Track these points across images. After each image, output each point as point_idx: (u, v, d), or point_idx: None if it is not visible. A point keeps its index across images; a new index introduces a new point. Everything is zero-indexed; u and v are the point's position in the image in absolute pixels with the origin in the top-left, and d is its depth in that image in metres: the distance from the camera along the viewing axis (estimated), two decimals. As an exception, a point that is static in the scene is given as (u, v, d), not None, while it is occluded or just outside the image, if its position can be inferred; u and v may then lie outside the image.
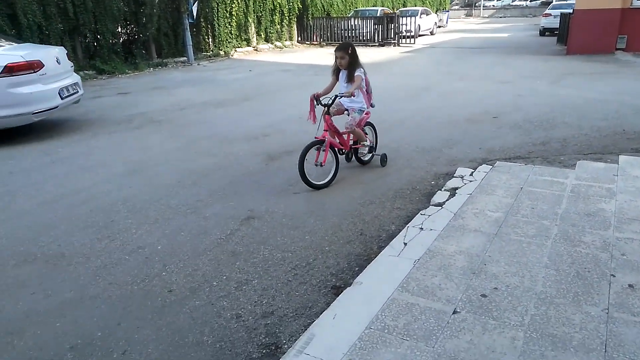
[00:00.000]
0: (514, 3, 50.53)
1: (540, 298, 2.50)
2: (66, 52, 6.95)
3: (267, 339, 2.40)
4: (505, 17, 43.99)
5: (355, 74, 4.41)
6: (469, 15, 48.09)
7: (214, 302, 2.69)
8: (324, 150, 4.33)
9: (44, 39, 10.88)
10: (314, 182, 4.35)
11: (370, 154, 5.01)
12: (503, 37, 22.51)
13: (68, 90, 6.46)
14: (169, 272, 3.03)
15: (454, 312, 2.41)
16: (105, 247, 3.37)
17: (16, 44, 6.58)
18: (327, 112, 4.38)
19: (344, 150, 4.69)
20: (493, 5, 49.73)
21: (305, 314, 2.57)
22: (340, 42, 20.30)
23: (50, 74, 6.14)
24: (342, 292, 2.68)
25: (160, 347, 2.35)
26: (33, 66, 5.83)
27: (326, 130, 4.39)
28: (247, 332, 2.44)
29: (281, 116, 7.37)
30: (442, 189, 4.12)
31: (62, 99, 6.26)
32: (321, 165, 4.36)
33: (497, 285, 2.64)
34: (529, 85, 9.28)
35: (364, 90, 4.56)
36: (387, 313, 2.42)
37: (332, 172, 4.47)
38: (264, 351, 2.31)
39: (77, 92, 6.81)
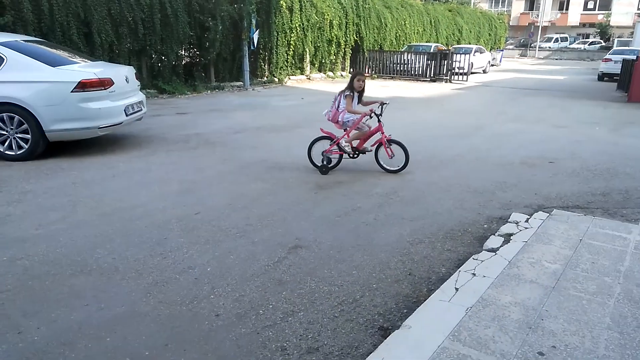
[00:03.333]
0: (572, 46, 49.41)
1: (602, 362, 2.35)
2: (134, 71, 7.33)
3: (311, 375, 2.36)
4: (561, 59, 43.10)
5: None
6: (523, 55, 47.42)
7: (259, 332, 2.69)
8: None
9: (113, 58, 11.55)
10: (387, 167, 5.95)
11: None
12: (559, 79, 22.01)
13: (133, 108, 6.79)
14: (217, 295, 3.06)
15: (508, 369, 2.30)
16: (158, 264, 3.46)
17: (91, 62, 7.01)
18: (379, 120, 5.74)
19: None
20: (549, 47, 48.78)
21: (351, 353, 2.52)
22: (392, 75, 20.50)
23: (119, 91, 6.48)
24: (390, 334, 2.62)
25: (206, 372, 2.36)
26: (104, 83, 6.18)
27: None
28: (292, 366, 2.41)
29: (331, 146, 7.43)
30: (496, 234, 4.00)
31: (126, 115, 6.58)
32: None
33: (555, 343, 2.50)
34: (586, 132, 8.98)
35: None
36: (437, 362, 2.34)
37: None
38: (308, 388, 2.27)
39: (141, 110, 7.15)
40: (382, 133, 5.76)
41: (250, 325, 2.75)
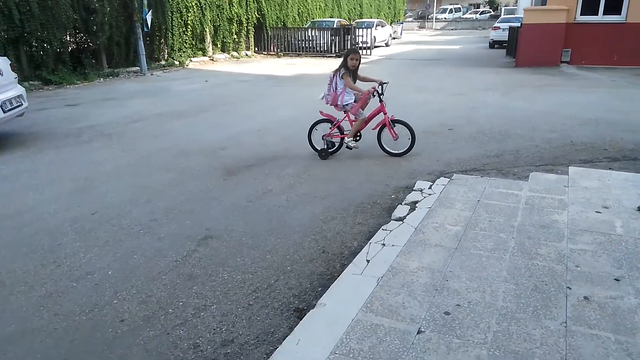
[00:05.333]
0: (465, 16, 52.35)
1: (501, 314, 2.52)
2: (10, 62, 6.56)
3: (227, 369, 2.29)
4: (456, 29, 45.48)
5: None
6: (421, 27, 49.40)
7: (169, 332, 2.55)
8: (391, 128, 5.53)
9: (-16, 48, 10.31)
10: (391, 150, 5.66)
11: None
12: (455, 49, 23.23)
13: (11, 103, 6.10)
14: (120, 299, 2.86)
15: (419, 332, 2.39)
16: (51, 273, 3.16)
17: (-48, 54, 6.17)
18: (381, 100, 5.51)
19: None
20: (445, 18, 51.33)
21: (267, 340, 2.48)
22: (298, 52, 20.40)
23: (-9, 86, 5.78)
24: (305, 315, 2.61)
25: (112, 383, 2.20)
26: (-29, 78, 5.47)
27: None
28: (206, 363, 2.32)
29: (239, 128, 7.25)
30: (403, 203, 4.14)
31: (4, 112, 5.91)
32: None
33: (459, 301, 2.64)
34: (481, 98, 9.56)
35: None
36: (352, 336, 2.37)
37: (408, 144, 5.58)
38: (224, 383, 2.20)
39: (21, 105, 6.44)
40: (385, 114, 5.47)
41: (159, 327, 2.60)
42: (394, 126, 5.54)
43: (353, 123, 5.59)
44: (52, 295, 2.91)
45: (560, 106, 8.40)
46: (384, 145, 5.68)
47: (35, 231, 3.78)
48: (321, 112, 5.67)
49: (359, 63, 5.44)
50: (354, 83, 5.49)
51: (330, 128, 5.64)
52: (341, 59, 5.55)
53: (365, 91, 5.42)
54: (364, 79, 5.57)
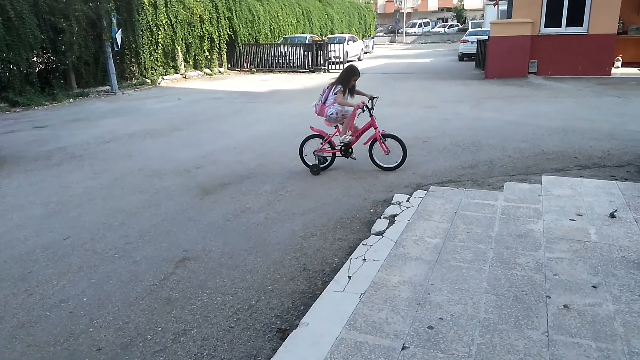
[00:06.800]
0: (434, 30, 53.62)
1: (484, 326, 2.53)
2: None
3: (210, 396, 2.22)
4: (426, 42, 46.51)
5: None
6: (392, 41, 50.36)
7: (149, 359, 2.47)
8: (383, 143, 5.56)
9: (-54, 70, 10.00)
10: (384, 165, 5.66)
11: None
12: (426, 62, 23.69)
13: (-25, 127, 5.91)
14: (96, 327, 2.77)
15: (403, 348, 2.37)
16: (23, 302, 3.03)
17: None
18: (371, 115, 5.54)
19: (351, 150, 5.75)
20: (414, 32, 52.45)
21: (250, 363, 2.43)
22: (271, 68, 20.47)
23: (-46, 109, 5.59)
24: (288, 335, 2.57)
25: (89, 418, 2.11)
26: None
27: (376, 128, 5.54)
28: (188, 391, 2.26)
29: (214, 146, 7.19)
30: (382, 217, 4.15)
31: (-32, 136, 5.71)
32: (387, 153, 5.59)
33: (442, 315, 2.64)
34: (453, 109, 9.74)
35: None
36: (336, 355, 2.34)
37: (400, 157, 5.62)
38: (207, 411, 2.13)
39: (-13, 128, 6.26)
40: (376, 128, 5.50)
41: (137, 354, 2.52)
42: (385, 140, 5.56)
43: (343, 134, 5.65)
44: (24, 325, 2.80)
45: (529, 116, 8.61)
46: (376, 160, 5.69)
47: (4, 259, 3.64)
48: (312, 128, 5.69)
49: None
50: (352, 97, 5.59)
51: (321, 143, 5.64)
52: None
53: (355, 105, 5.46)
54: (359, 93, 5.63)
